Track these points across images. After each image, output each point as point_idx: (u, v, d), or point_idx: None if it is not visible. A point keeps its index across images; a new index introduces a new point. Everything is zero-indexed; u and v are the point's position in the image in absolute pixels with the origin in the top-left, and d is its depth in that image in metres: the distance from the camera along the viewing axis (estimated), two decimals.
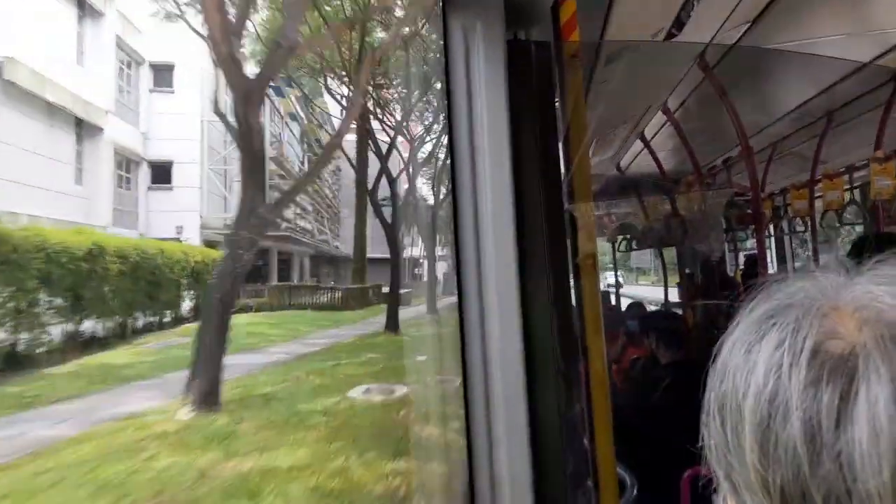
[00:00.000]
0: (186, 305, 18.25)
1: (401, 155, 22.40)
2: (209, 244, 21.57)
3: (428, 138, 24.75)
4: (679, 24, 2.31)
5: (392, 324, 16.80)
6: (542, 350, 1.05)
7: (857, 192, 4.56)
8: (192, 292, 18.51)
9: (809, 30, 2.50)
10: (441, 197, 24.23)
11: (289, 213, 28.98)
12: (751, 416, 0.43)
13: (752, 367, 0.45)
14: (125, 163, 20.82)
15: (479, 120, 1.04)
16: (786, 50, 2.63)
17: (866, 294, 0.45)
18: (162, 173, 22.10)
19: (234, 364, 10.05)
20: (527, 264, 1.05)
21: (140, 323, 15.26)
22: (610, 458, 1.18)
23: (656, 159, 4.57)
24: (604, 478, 1.16)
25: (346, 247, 37.39)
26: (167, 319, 16.78)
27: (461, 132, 1.04)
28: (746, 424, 0.44)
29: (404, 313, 21.65)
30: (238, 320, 17.69)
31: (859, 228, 5.04)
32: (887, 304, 0.44)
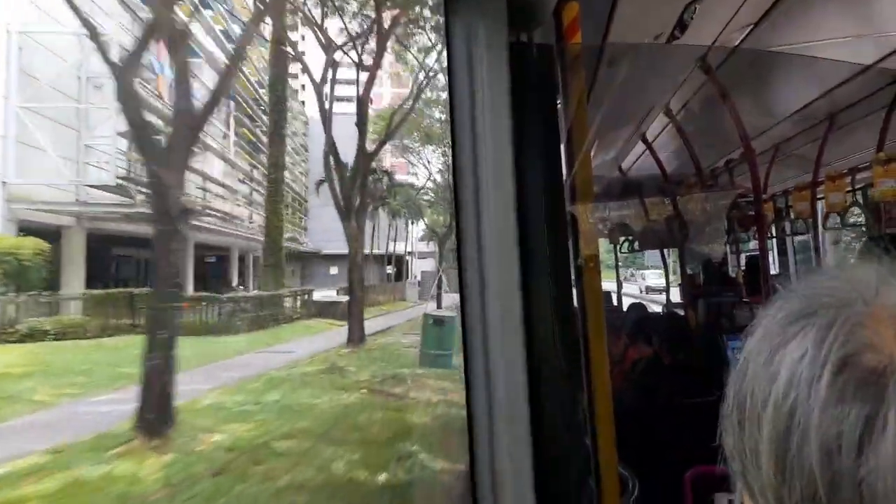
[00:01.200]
0: None
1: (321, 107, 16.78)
2: (25, 229, 13.84)
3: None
4: (682, 26, 2.32)
5: (150, 414, 7.00)
6: (544, 351, 1.06)
7: (859, 194, 4.56)
8: None
9: (811, 32, 2.50)
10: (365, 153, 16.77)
11: (190, 189, 20.25)
12: (769, 428, 0.40)
13: (773, 374, 0.40)
14: None
15: (481, 122, 1.04)
16: (788, 52, 2.64)
17: None
18: None
19: None
20: (529, 265, 1.06)
21: None
22: (612, 457, 1.18)
23: (658, 161, 4.58)
24: (606, 477, 1.17)
25: (315, 242, 33.19)
26: None
27: (464, 134, 1.05)
28: (764, 434, 0.40)
29: (308, 344, 14.47)
30: None
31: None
32: None
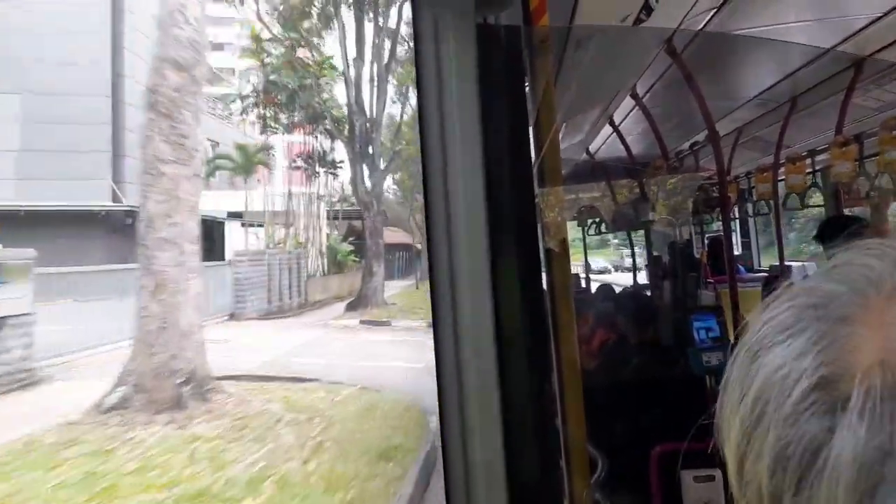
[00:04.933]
0: None
1: None
2: None
3: None
4: (647, 9, 2.33)
5: None
6: (514, 334, 1.06)
7: (818, 176, 4.67)
8: None
9: (774, 16, 2.54)
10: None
11: None
12: (736, 433, 0.35)
13: (750, 379, 0.34)
14: None
15: (449, 105, 1.03)
16: (751, 35, 2.67)
17: None
18: None
19: None
20: (498, 249, 1.06)
21: None
22: (581, 439, 1.20)
23: (625, 144, 4.62)
24: (575, 458, 1.18)
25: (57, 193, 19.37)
26: None
27: (431, 117, 1.04)
28: (732, 437, 0.35)
29: None
30: None
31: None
32: None
